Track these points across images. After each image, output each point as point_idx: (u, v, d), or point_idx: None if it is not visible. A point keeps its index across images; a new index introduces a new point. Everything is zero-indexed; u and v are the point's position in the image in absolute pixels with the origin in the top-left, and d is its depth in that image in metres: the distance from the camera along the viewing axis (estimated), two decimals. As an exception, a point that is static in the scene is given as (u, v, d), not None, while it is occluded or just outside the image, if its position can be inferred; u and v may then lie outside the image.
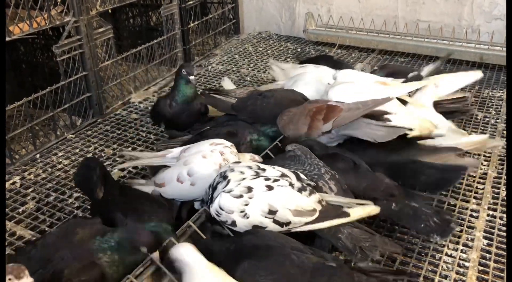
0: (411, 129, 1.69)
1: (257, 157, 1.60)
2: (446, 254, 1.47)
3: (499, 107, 2.37)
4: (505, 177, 1.82)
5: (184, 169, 1.51)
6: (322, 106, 1.73)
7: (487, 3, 2.92)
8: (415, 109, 1.87)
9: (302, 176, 1.38)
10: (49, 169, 1.96)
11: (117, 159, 2.00)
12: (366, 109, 1.67)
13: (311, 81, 2.24)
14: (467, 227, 1.58)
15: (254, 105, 1.88)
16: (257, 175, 1.31)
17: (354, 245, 1.32)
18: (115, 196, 1.44)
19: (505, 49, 2.78)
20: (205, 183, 1.42)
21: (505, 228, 1.57)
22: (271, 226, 1.28)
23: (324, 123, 1.68)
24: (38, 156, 2.06)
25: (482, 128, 2.17)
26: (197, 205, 1.51)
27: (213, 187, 1.32)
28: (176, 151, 1.62)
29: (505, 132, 2.14)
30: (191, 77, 1.96)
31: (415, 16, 3.14)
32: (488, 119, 2.24)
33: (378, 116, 1.69)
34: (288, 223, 1.30)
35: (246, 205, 1.25)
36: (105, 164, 1.97)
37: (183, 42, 3.01)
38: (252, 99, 1.93)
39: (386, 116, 1.72)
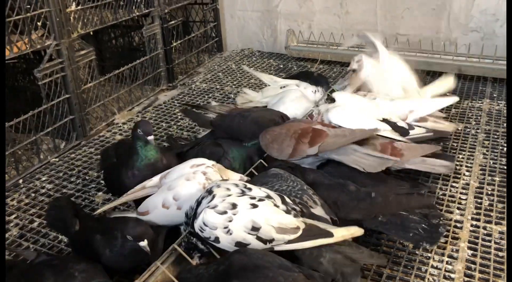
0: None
1: (245, 178, 1.60)
2: (432, 266, 1.48)
3: (479, 117, 2.41)
4: (487, 187, 1.85)
5: (168, 194, 1.49)
6: (308, 129, 1.73)
7: (463, 16, 3.00)
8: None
9: (288, 199, 1.38)
10: (33, 194, 1.94)
11: (101, 181, 1.99)
12: (352, 138, 1.68)
13: (296, 98, 2.27)
14: (452, 238, 1.59)
15: (231, 122, 1.90)
16: (243, 193, 1.32)
17: (335, 269, 1.32)
18: (91, 227, 1.42)
19: (481, 60, 2.84)
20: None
21: (488, 238, 1.59)
22: (255, 242, 1.28)
23: (309, 147, 1.68)
24: (21, 181, 2.04)
25: (463, 139, 2.20)
26: (182, 228, 1.50)
27: (198, 201, 1.32)
28: (155, 179, 1.59)
29: (485, 142, 2.18)
30: (150, 137, 1.62)
31: (394, 30, 3.20)
32: (468, 129, 2.28)
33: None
34: (271, 240, 1.29)
35: (230, 221, 1.26)
36: (88, 187, 1.97)
37: (166, 61, 3.02)
38: (230, 116, 1.95)
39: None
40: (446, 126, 2.18)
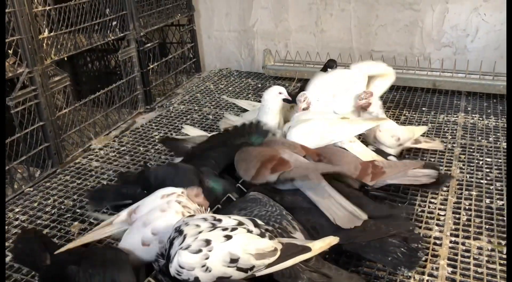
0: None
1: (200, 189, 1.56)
2: (413, 286, 1.48)
3: (455, 131, 2.45)
4: (464, 201, 1.86)
5: (146, 230, 1.42)
6: (275, 157, 1.73)
7: (435, 32, 3.06)
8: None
9: (259, 221, 1.37)
10: (5, 227, 1.88)
11: (77, 210, 1.95)
12: (316, 172, 1.65)
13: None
14: (432, 256, 1.59)
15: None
16: (214, 226, 1.29)
17: None
18: (64, 259, 1.38)
19: (455, 75, 2.90)
20: None
21: (467, 254, 1.59)
22: (236, 274, 1.25)
23: (271, 173, 1.67)
24: (-7, 212, 1.98)
25: (440, 153, 2.23)
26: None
27: (170, 242, 1.28)
28: (122, 214, 1.54)
29: (461, 156, 2.21)
30: None
31: (369, 46, 3.25)
32: (445, 144, 2.31)
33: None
34: (252, 268, 1.28)
35: (207, 258, 1.22)
36: (64, 216, 1.92)
37: (143, 84, 3.01)
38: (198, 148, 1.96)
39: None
40: (436, 144, 2.25)
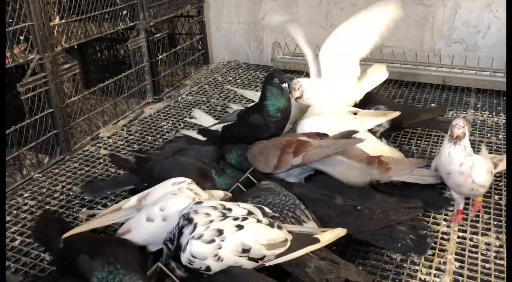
0: None
1: (229, 194, 1.57)
2: (420, 279, 1.48)
3: (464, 128, 2.43)
4: (472, 198, 1.85)
5: (154, 207, 1.42)
6: (293, 140, 1.74)
7: (446, 28, 3.04)
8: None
9: (266, 209, 1.37)
10: (14, 211, 1.89)
11: (85, 197, 1.95)
12: (336, 148, 1.68)
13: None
14: (439, 250, 1.59)
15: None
16: (224, 216, 1.29)
17: (320, 278, 1.31)
18: (77, 244, 1.39)
19: (465, 71, 2.88)
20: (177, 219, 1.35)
21: (475, 249, 1.59)
22: (247, 263, 1.26)
23: (294, 157, 1.68)
24: (2, 197, 2.00)
25: (448, 149, 2.21)
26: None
27: (179, 230, 1.27)
28: (132, 200, 1.53)
29: (470, 152, 2.19)
30: (284, 85, 1.88)
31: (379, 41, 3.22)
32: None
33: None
34: (262, 258, 1.28)
35: (219, 248, 1.22)
36: (72, 203, 1.93)
37: (152, 74, 3.01)
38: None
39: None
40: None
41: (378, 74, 2.35)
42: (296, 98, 2.17)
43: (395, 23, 2.21)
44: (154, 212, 1.43)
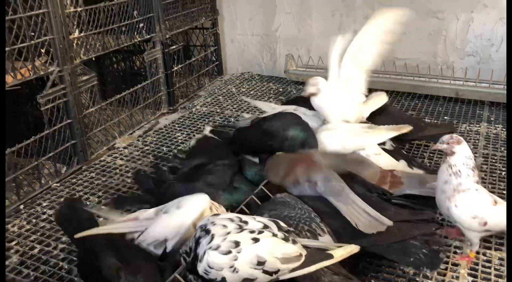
0: None
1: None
2: (433, 294, 1.49)
3: (477, 141, 2.44)
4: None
5: (171, 207, 1.53)
6: (305, 157, 1.77)
7: (459, 41, 3.05)
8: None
9: (281, 223, 1.39)
10: (33, 220, 1.94)
11: (102, 207, 1.99)
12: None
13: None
14: (452, 265, 1.60)
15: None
16: (241, 228, 1.31)
17: None
18: (103, 245, 1.41)
19: (478, 84, 2.88)
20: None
21: (488, 264, 1.59)
22: (261, 276, 1.28)
23: (301, 173, 1.71)
24: (22, 206, 2.04)
25: (462, 163, 2.21)
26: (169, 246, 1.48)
27: (196, 241, 1.30)
28: (150, 211, 1.58)
29: (483, 166, 2.20)
30: None
31: (392, 54, 3.24)
32: (466, 153, 2.29)
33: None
34: (277, 271, 1.30)
35: (235, 260, 1.25)
36: (90, 212, 1.97)
37: (167, 85, 3.06)
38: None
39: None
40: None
41: (380, 96, 2.40)
42: (309, 95, 2.19)
43: (402, 28, 2.30)
44: (170, 207, 1.53)
